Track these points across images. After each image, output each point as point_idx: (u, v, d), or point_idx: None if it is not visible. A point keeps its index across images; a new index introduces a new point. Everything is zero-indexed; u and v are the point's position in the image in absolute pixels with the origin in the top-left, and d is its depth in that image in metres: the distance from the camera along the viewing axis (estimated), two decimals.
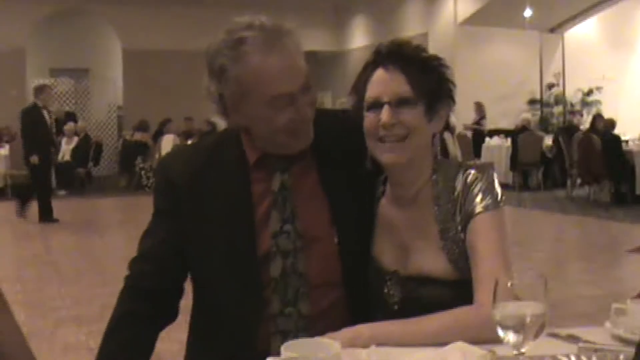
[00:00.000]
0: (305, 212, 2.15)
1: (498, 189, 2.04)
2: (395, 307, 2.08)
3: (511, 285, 1.50)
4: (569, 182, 15.47)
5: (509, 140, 16.47)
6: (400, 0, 21.08)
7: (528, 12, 18.33)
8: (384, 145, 2.04)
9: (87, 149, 18.36)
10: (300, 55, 2.08)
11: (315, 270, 2.12)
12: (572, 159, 14.91)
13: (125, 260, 2.29)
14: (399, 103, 2.03)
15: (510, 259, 1.99)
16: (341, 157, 2.20)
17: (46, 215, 12.81)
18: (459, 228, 2.03)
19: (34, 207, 12.96)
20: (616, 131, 14.51)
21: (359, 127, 2.17)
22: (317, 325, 2.05)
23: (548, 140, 16.54)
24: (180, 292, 2.25)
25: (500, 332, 1.51)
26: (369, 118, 2.07)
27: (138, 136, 19.05)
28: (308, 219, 2.15)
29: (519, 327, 1.48)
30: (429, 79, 2.06)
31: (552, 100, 19.92)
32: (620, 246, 9.86)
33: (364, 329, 1.86)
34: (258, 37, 2.04)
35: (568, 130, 16.00)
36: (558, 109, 19.86)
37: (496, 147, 17.16)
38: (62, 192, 17.31)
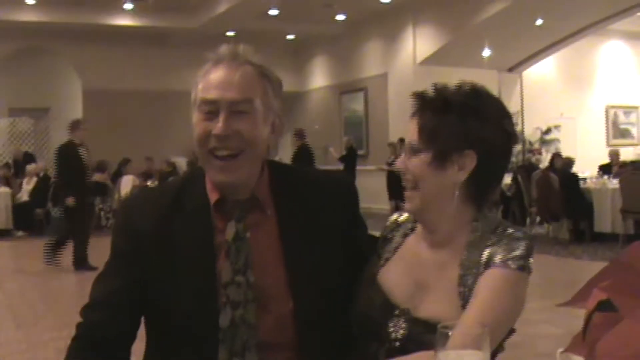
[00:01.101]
0: (260, 265, 2.09)
1: (527, 256, 1.92)
2: (397, 343, 1.98)
3: (451, 333, 1.47)
4: (528, 220, 15.58)
5: None
6: (359, 41, 21.24)
7: (487, 52, 18.56)
8: (405, 191, 2.05)
9: (46, 189, 18.19)
10: (251, 82, 2.07)
11: (266, 325, 2.06)
12: (531, 197, 15.04)
13: (84, 303, 2.21)
14: (411, 151, 2.02)
15: (497, 322, 1.85)
16: (311, 216, 2.14)
17: (81, 261, 11.75)
18: (478, 277, 1.93)
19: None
20: (574, 169, 14.66)
21: (334, 183, 2.20)
22: None
23: (507, 179, 16.66)
24: (132, 339, 2.18)
25: None
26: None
27: (97, 177, 18.91)
28: (262, 273, 2.08)
29: None
30: (443, 126, 1.98)
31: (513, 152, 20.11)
32: (580, 284, 9.84)
33: None
34: (224, 56, 2.10)
35: (527, 168, 16.14)
36: (517, 148, 20.06)
37: None
38: (20, 233, 17.14)
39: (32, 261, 13.38)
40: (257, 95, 2.05)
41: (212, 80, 2.05)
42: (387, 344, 1.99)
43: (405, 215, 2.21)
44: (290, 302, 2.07)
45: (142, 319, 2.20)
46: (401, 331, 1.98)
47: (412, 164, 2.01)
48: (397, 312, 2.01)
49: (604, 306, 1.06)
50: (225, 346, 2.05)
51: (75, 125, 12.16)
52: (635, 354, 0.99)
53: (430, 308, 1.97)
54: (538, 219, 15.19)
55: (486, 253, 1.95)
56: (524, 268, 1.92)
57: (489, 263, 1.92)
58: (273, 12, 19.01)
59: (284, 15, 19.36)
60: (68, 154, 11.86)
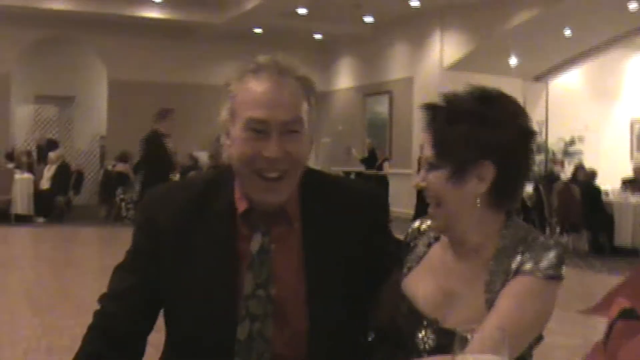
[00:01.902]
0: (281, 279, 2.06)
1: (556, 264, 1.89)
2: (426, 355, 1.93)
3: (470, 337, 1.46)
4: (547, 231, 15.50)
5: None
6: (386, 43, 21.19)
7: (513, 60, 18.48)
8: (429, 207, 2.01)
9: (66, 177, 18.27)
10: (299, 99, 2.01)
11: (282, 340, 2.04)
12: (552, 208, 14.97)
13: (100, 292, 2.23)
14: (429, 167, 1.97)
15: (519, 330, 1.83)
16: (337, 232, 2.10)
17: None
18: (505, 284, 1.90)
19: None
20: (597, 182, 14.59)
21: (365, 199, 2.15)
22: None
23: (528, 188, 16.59)
24: (148, 332, 2.17)
25: None
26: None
27: (119, 167, 19.00)
28: (282, 287, 2.05)
29: None
30: (457, 139, 1.93)
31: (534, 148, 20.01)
32: (597, 296, 9.80)
33: None
34: (266, 67, 2.03)
35: (548, 178, 16.07)
36: (539, 158, 19.96)
37: None
38: (40, 220, 17.23)
39: (50, 248, 13.46)
40: (304, 112, 2.02)
41: (258, 96, 1.99)
42: (415, 355, 1.95)
43: (427, 223, 2.17)
44: (306, 318, 2.04)
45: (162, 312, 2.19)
46: (430, 342, 1.94)
47: (431, 182, 1.97)
48: (425, 322, 1.97)
49: (627, 314, 1.06)
50: (240, 358, 2.03)
51: (162, 115, 11.23)
52: None
53: (459, 318, 1.91)
54: (558, 229, 15.12)
55: (516, 261, 1.91)
56: (554, 277, 1.89)
57: (517, 271, 1.89)
58: (301, 10, 18.99)
59: (312, 15, 19.34)
60: (153, 145, 11.03)
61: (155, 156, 10.92)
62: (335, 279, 2.07)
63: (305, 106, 2.03)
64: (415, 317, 1.99)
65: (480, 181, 1.94)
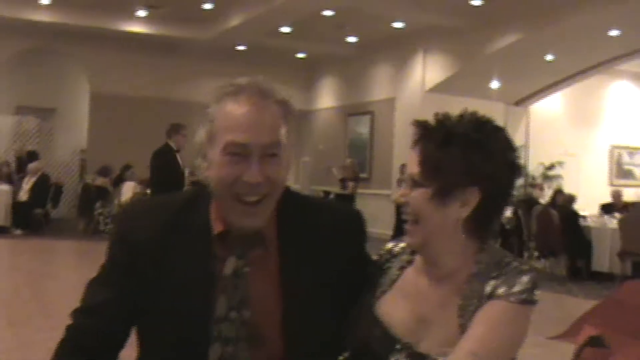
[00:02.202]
0: (257, 302, 2.03)
1: (529, 290, 1.89)
2: None
3: None
4: (526, 255, 15.57)
5: None
6: (369, 64, 21.26)
7: (495, 84, 18.59)
8: (406, 224, 2.00)
9: (45, 189, 18.18)
10: (278, 122, 1.99)
11: None
12: (530, 232, 15.04)
13: (77, 305, 2.19)
14: (412, 183, 1.97)
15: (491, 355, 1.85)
16: (314, 255, 2.09)
17: None
18: (478, 308, 1.90)
19: None
20: (575, 207, 14.67)
21: (343, 220, 2.15)
22: None
23: (507, 212, 16.66)
24: (121, 347, 2.15)
25: None
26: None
27: (99, 181, 18.94)
28: (258, 310, 2.02)
29: None
30: (447, 159, 1.93)
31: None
32: (573, 321, 9.89)
33: None
34: (246, 89, 2.00)
35: (528, 203, 16.14)
36: (519, 182, 20.04)
37: None
38: (17, 232, 17.13)
39: (28, 260, 13.39)
40: (283, 136, 2.00)
41: (238, 119, 1.96)
42: None
43: (400, 246, 2.18)
44: (283, 343, 2.02)
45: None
46: None
47: (413, 198, 1.96)
48: (398, 346, 1.97)
49: (594, 342, 1.07)
50: None
51: (174, 129, 11.03)
52: None
53: (432, 343, 1.93)
54: (536, 253, 15.18)
55: (489, 285, 1.92)
56: (526, 301, 1.89)
57: (491, 295, 1.90)
58: (285, 29, 19.05)
59: (296, 34, 19.39)
60: (164, 159, 10.80)
61: (166, 170, 10.67)
62: (313, 303, 2.05)
63: (284, 129, 2.00)
64: (389, 341, 1.98)
65: (462, 206, 1.95)
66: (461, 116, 2.00)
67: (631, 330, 1.07)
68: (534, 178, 19.91)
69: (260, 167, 1.95)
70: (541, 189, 18.22)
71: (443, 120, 1.99)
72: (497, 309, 1.88)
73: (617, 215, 14.67)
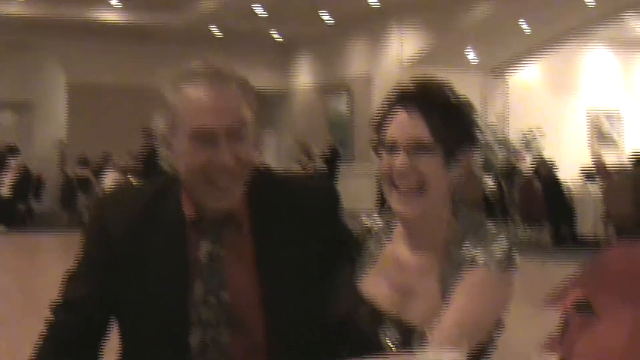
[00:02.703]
0: (235, 285, 2.03)
1: (506, 254, 1.90)
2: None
3: (430, 333, 1.46)
4: (510, 225, 15.64)
5: None
6: (345, 40, 21.22)
7: (472, 55, 18.59)
8: (398, 193, 1.95)
9: (27, 184, 18.09)
10: (240, 103, 1.98)
11: (239, 347, 2.01)
12: (514, 202, 15.09)
13: None
14: (417, 149, 1.92)
15: (476, 324, 1.86)
16: (289, 233, 2.08)
17: None
18: (459, 275, 1.91)
19: None
20: (557, 173, 14.72)
21: (314, 192, 2.14)
22: None
23: (490, 182, 16.72)
24: (103, 339, 2.14)
25: None
26: (385, 160, 1.97)
27: (80, 172, 18.85)
28: (236, 293, 2.02)
29: None
30: (451, 124, 1.93)
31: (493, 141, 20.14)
32: (558, 286, 9.94)
33: None
34: (202, 73, 1.99)
35: (510, 173, 16.19)
36: (501, 152, 20.09)
37: None
38: (1, 228, 17.05)
39: (13, 257, 13.31)
40: (247, 116, 1.99)
41: (200, 104, 1.95)
42: (380, 352, 1.93)
43: (376, 222, 2.16)
44: (264, 325, 2.01)
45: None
46: (393, 338, 1.94)
47: (422, 163, 1.92)
48: (386, 320, 1.97)
49: (581, 307, 1.07)
50: None
51: None
52: (611, 354, 1.00)
53: (416, 313, 1.93)
54: (520, 223, 15.25)
55: (468, 252, 1.92)
56: (507, 267, 1.89)
57: (471, 263, 1.90)
58: (259, 11, 18.97)
59: (270, 14, 19.32)
60: None
61: None
62: (291, 283, 2.04)
63: (246, 109, 2.00)
64: (377, 317, 1.98)
65: (460, 167, 1.96)
66: (438, 82, 2.01)
67: (618, 294, 1.07)
68: (514, 148, 19.95)
69: (229, 149, 1.94)
70: (522, 158, 18.27)
71: (429, 85, 2.00)
72: (479, 277, 1.88)
73: (598, 181, 14.73)
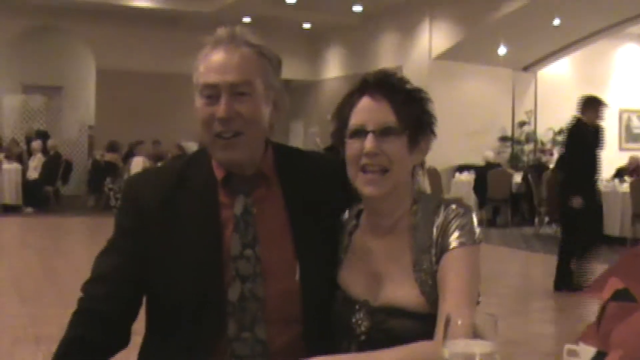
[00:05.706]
0: (267, 239, 2.12)
1: (476, 228, 2.02)
2: (363, 337, 2.02)
3: (460, 323, 1.46)
4: (536, 220, 15.55)
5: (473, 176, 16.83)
6: (375, 33, 21.16)
7: (502, 50, 18.48)
8: (365, 176, 2.03)
9: (56, 167, 18.22)
10: (250, 63, 2.11)
11: (274, 299, 2.08)
12: (541, 197, 15.00)
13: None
14: (384, 132, 2.01)
15: (476, 298, 1.98)
16: (312, 198, 2.19)
17: (563, 279, 8.91)
18: (433, 260, 1.99)
19: None
20: None
21: (332, 165, 2.21)
22: (274, 354, 2.05)
23: (517, 178, 16.64)
24: (133, 317, 2.17)
25: None
26: (351, 145, 2.05)
27: (108, 157, 18.96)
28: (269, 247, 2.12)
29: None
30: (413, 110, 2.06)
31: (523, 137, 20.02)
32: (596, 276, 9.86)
33: None
34: (222, 39, 2.13)
35: (537, 168, 16.10)
36: (528, 147, 19.99)
37: (466, 182, 17.28)
38: (28, 210, 17.19)
39: (38, 237, 13.43)
40: (256, 76, 2.10)
41: (211, 63, 2.10)
42: (355, 339, 2.04)
43: (346, 213, 2.23)
44: (296, 276, 2.10)
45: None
46: (364, 323, 2.04)
47: (389, 145, 2.02)
48: (357, 306, 2.06)
49: (620, 295, 1.05)
50: (234, 320, 2.07)
51: (587, 102, 10.00)
52: None
53: (388, 295, 2.03)
54: (547, 219, 15.15)
55: (435, 232, 2.02)
56: (477, 240, 2.01)
57: (445, 245, 1.99)
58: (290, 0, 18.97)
59: (301, 4, 19.30)
60: (577, 138, 9.53)
61: (581, 155, 9.52)
62: (319, 238, 2.16)
63: (258, 70, 2.11)
64: (349, 304, 2.08)
65: (421, 152, 2.11)
66: (396, 73, 2.16)
67: None
68: (543, 143, 19.85)
69: (229, 103, 2.06)
70: (551, 154, 18.17)
71: (390, 75, 2.13)
72: (462, 257, 1.98)
73: (627, 178, 14.62)
